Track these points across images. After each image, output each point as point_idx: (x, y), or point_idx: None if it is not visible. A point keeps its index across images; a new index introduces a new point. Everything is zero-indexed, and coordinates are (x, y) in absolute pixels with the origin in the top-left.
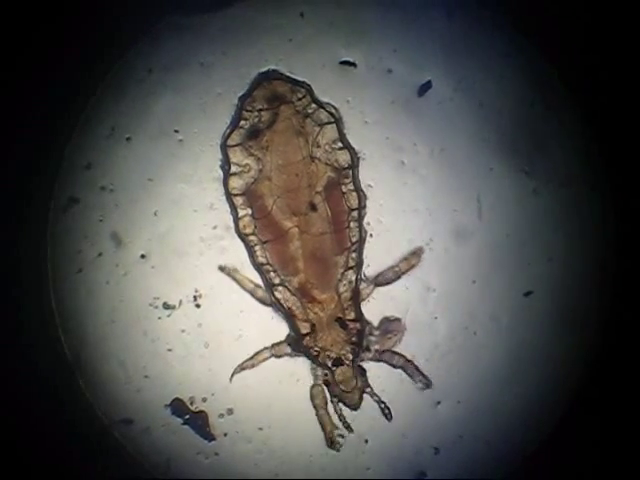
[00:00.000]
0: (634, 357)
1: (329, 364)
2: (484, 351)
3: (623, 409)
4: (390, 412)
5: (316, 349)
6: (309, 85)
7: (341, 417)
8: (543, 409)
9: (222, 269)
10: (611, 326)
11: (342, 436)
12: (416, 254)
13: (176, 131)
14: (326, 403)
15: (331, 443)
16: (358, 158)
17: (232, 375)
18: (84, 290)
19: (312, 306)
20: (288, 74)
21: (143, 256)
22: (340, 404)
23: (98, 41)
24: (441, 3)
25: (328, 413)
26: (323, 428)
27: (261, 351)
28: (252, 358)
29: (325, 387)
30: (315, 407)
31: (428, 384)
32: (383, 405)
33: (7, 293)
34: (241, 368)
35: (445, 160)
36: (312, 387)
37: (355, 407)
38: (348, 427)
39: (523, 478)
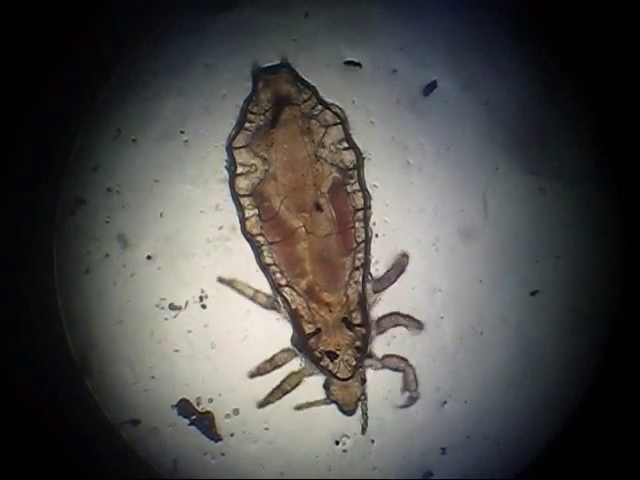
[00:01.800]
0: None
1: (324, 357)
2: (491, 351)
3: (633, 409)
4: (365, 429)
5: (319, 351)
6: (314, 87)
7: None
8: (551, 409)
9: (221, 280)
10: (620, 325)
11: (348, 436)
12: (403, 256)
13: (182, 132)
14: (289, 392)
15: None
16: (363, 158)
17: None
18: (91, 291)
19: (319, 308)
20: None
21: (149, 257)
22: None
23: (103, 43)
24: (446, 1)
25: (281, 397)
26: (273, 394)
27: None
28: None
29: (324, 389)
30: (279, 386)
31: (416, 397)
32: (365, 420)
33: (14, 294)
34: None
35: (451, 159)
36: (295, 372)
37: (349, 413)
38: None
39: (531, 478)
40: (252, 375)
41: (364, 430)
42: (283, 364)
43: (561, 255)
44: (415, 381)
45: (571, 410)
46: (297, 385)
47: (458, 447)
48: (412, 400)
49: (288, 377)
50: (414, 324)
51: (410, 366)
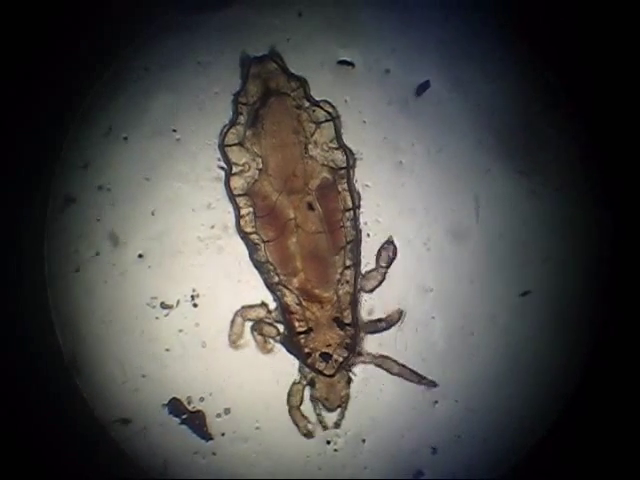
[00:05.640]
0: (631, 357)
1: (317, 359)
2: (481, 351)
3: (620, 408)
4: (339, 426)
5: (308, 349)
6: (302, 78)
7: (320, 415)
8: (540, 408)
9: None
10: (607, 326)
11: (339, 436)
12: (388, 246)
13: (173, 130)
14: (301, 402)
15: (305, 434)
16: (355, 159)
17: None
18: (81, 290)
19: (311, 305)
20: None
21: (140, 255)
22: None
23: (95, 40)
24: (439, 3)
25: (300, 411)
26: (296, 423)
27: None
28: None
29: (309, 386)
30: (289, 403)
31: (432, 384)
32: (340, 417)
33: (4, 292)
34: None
35: (443, 160)
36: (294, 384)
37: (331, 410)
38: (325, 427)
39: (521, 477)
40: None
41: (337, 426)
42: (255, 318)
43: (551, 257)
44: (417, 374)
45: (560, 410)
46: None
47: (448, 446)
48: (430, 385)
49: (291, 391)
50: (393, 321)
51: (403, 366)
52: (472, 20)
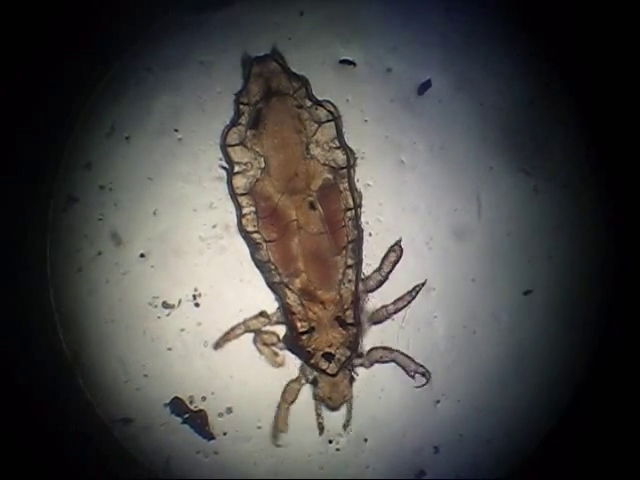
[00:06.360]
0: (634, 355)
1: (320, 358)
2: (484, 350)
3: (624, 407)
4: (347, 426)
5: (310, 349)
6: (304, 77)
7: (319, 417)
8: (543, 408)
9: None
10: (611, 324)
11: (341, 435)
12: (396, 248)
13: (176, 130)
14: (293, 402)
15: (273, 437)
16: (355, 158)
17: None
18: (84, 289)
19: (312, 306)
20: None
21: (143, 255)
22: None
23: (98, 40)
24: (440, 2)
25: (289, 411)
26: (276, 421)
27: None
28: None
29: (312, 385)
30: (282, 399)
31: (426, 374)
32: (348, 418)
33: (7, 292)
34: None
35: (445, 159)
36: (291, 381)
37: (334, 410)
38: (322, 429)
39: (523, 477)
40: (218, 344)
41: (345, 427)
42: (255, 329)
43: (554, 255)
44: (410, 360)
45: (563, 409)
46: (297, 395)
47: (451, 446)
48: (425, 376)
49: (287, 388)
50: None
51: (395, 351)
52: (474, 17)
